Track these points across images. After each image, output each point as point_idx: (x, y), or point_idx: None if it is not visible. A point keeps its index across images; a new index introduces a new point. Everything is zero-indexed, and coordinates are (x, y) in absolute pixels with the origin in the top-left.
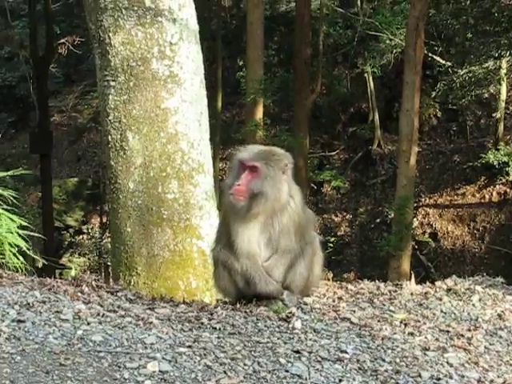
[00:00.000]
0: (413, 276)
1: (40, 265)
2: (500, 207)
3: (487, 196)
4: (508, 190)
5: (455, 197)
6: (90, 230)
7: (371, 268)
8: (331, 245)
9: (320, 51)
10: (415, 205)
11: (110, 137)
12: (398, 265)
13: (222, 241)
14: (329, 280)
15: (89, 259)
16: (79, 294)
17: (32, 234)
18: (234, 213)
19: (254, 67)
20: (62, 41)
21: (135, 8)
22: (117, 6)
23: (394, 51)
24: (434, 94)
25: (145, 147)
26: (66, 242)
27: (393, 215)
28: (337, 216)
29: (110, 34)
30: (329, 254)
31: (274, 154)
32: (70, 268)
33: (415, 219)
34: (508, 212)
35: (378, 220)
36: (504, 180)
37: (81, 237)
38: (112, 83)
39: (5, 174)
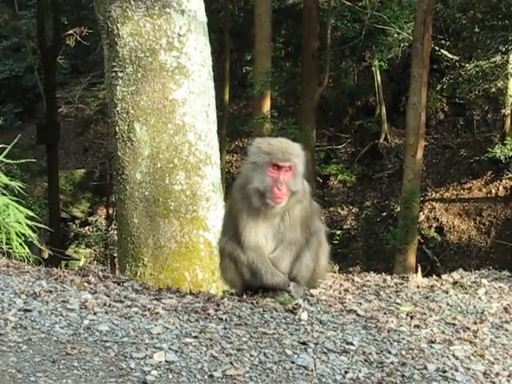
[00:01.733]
0: (419, 269)
1: (46, 255)
2: (506, 202)
3: (493, 190)
4: None
5: (461, 191)
6: (96, 222)
7: (377, 261)
8: (337, 238)
9: (328, 44)
10: (421, 199)
11: (117, 128)
12: (403, 258)
13: (228, 232)
14: (335, 273)
15: (95, 250)
16: (86, 284)
17: (38, 224)
18: (256, 210)
19: (262, 60)
20: (70, 32)
21: None
22: None
23: (402, 45)
24: (439, 87)
25: (152, 138)
26: (72, 233)
27: (399, 209)
28: (343, 209)
29: (119, 25)
30: (335, 247)
31: (299, 149)
32: (77, 259)
33: (421, 213)
34: None
35: (384, 214)
36: (511, 175)
37: (87, 228)
38: (120, 74)
39: (14, 162)
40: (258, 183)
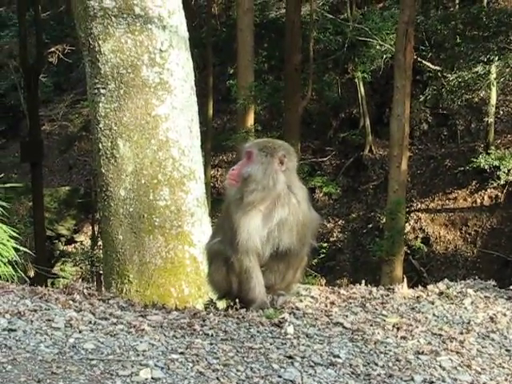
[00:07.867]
0: (405, 280)
1: (32, 274)
2: (491, 211)
3: (479, 200)
4: (499, 193)
5: (447, 201)
6: (82, 239)
7: (364, 273)
8: (324, 251)
9: (310, 57)
10: (407, 209)
11: (100, 144)
12: (390, 270)
13: (219, 233)
14: (322, 286)
15: (81, 268)
16: (71, 302)
17: (21, 248)
18: (231, 200)
19: (245, 74)
20: (52, 49)
21: (125, 15)
22: (106, 13)
23: (384, 57)
24: (422, 98)
25: (136, 154)
26: (58, 251)
27: (385, 220)
28: (329, 222)
29: (100, 42)
30: (322, 260)
31: (270, 142)
32: (63, 277)
33: (407, 224)
34: (499, 216)
35: (370, 225)
36: (495, 184)
37: (73, 246)
38: (102, 91)
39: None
40: None
